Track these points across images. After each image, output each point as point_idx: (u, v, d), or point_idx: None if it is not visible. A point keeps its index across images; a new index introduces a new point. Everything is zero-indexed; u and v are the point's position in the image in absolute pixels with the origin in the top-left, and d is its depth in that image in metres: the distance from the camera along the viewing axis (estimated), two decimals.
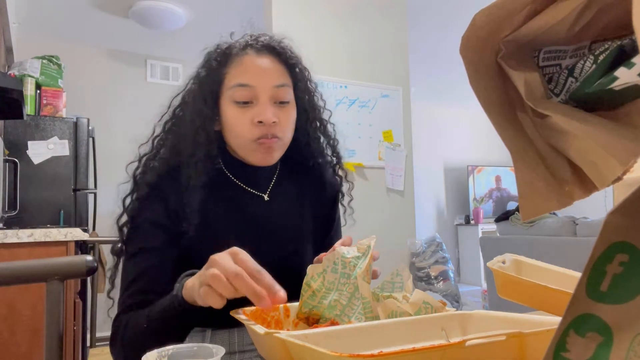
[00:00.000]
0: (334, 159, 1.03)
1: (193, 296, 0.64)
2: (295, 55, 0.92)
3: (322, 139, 1.00)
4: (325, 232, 1.03)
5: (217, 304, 0.57)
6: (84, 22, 3.57)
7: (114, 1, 3.27)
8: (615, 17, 0.35)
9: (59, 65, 3.06)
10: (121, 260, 0.86)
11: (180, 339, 0.74)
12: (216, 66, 0.87)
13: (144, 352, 0.71)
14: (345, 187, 1.06)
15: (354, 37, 2.85)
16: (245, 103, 0.85)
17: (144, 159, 0.91)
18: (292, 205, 0.96)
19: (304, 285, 0.66)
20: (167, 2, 3.29)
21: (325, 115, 1.00)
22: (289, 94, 0.88)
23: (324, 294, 0.65)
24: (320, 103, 0.99)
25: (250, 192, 0.92)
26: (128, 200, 0.88)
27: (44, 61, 2.97)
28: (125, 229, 0.85)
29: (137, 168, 0.90)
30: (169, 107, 0.94)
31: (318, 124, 0.98)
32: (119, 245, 0.86)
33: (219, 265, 0.58)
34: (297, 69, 0.92)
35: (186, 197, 0.85)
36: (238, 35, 0.92)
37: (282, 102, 0.87)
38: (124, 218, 0.87)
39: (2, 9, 2.50)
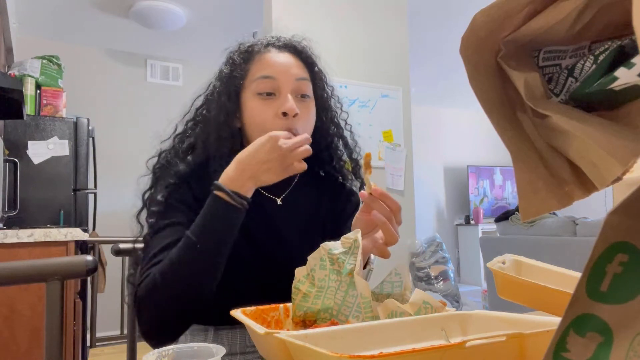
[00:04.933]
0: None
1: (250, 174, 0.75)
2: (315, 54, 0.95)
3: (340, 145, 1.00)
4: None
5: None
6: (84, 22, 3.57)
7: (114, 1, 3.27)
8: (615, 17, 0.35)
9: (59, 65, 3.06)
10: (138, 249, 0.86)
11: (225, 251, 0.76)
12: (239, 62, 0.89)
13: (193, 285, 0.74)
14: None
15: (353, 37, 2.85)
16: (269, 95, 0.86)
17: (163, 154, 0.93)
18: (305, 211, 0.96)
19: (293, 289, 0.64)
20: (167, 2, 3.29)
21: (342, 117, 1.02)
22: (309, 89, 0.90)
23: (315, 293, 0.64)
24: (338, 105, 1.01)
25: (264, 195, 0.92)
26: (147, 195, 0.89)
27: (44, 61, 2.97)
28: (148, 216, 0.86)
29: (156, 163, 0.92)
30: (191, 106, 0.96)
31: (335, 128, 0.99)
32: (142, 235, 0.86)
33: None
34: (316, 68, 0.94)
35: None
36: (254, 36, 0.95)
37: (303, 96, 0.88)
38: (144, 213, 0.88)
39: (2, 9, 2.50)
